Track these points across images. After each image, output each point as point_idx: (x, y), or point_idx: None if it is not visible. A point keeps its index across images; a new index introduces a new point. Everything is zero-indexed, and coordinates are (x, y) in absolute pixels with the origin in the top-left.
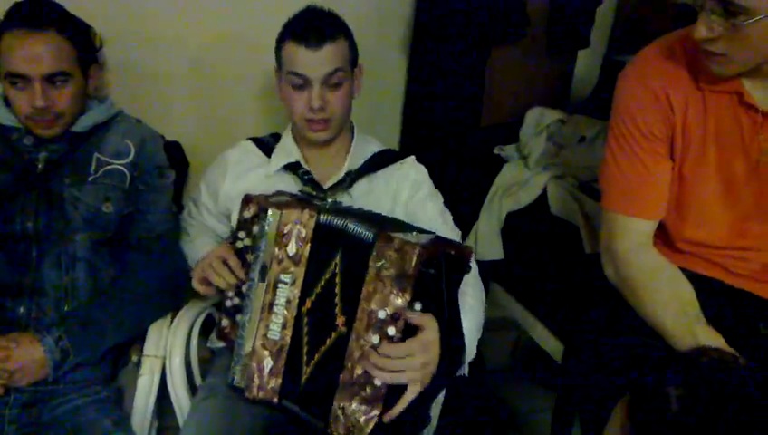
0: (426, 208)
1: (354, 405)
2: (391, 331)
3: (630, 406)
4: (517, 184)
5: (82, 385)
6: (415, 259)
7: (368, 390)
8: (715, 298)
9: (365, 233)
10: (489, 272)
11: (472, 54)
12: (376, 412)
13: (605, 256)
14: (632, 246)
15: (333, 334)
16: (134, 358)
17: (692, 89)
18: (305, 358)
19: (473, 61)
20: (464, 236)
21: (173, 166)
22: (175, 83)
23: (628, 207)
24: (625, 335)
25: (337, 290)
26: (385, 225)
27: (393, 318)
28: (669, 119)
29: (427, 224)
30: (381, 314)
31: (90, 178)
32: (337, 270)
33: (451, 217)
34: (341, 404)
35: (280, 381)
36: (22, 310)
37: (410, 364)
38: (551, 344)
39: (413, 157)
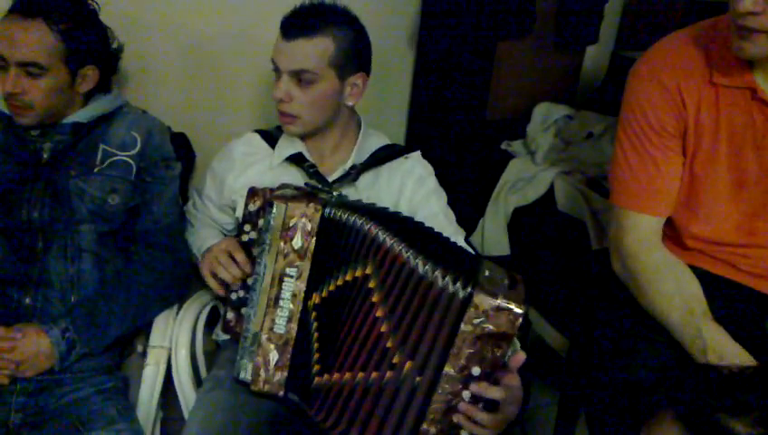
0: (429, 204)
1: None
2: (483, 386)
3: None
4: (524, 179)
5: (88, 375)
6: (520, 320)
7: None
8: (722, 295)
9: (444, 277)
10: None
11: (479, 49)
12: None
13: (613, 251)
14: (640, 241)
15: (389, 373)
16: (139, 348)
17: (705, 84)
18: (316, 355)
19: (480, 55)
20: (470, 232)
21: (179, 158)
22: (181, 75)
23: (637, 204)
24: (632, 332)
25: (379, 314)
26: (414, 235)
27: (486, 374)
28: (681, 114)
29: (429, 220)
30: (475, 371)
31: (96, 170)
32: (372, 286)
33: (454, 217)
34: None
35: (286, 374)
36: (28, 301)
37: (510, 414)
38: (556, 340)
39: (418, 152)
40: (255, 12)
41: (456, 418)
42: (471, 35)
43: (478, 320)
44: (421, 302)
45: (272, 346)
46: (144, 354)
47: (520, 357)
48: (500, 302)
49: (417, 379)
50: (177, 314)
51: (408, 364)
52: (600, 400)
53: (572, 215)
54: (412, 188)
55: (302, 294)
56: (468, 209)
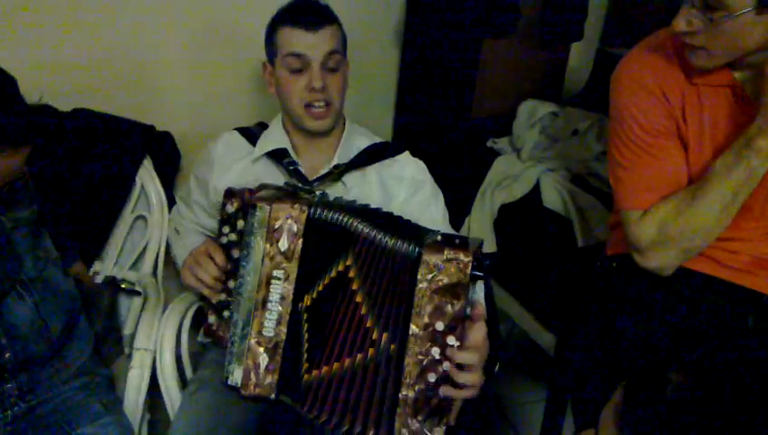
0: (429, 210)
1: (419, 420)
2: (451, 340)
3: (627, 387)
4: (510, 177)
5: (66, 377)
6: (470, 268)
7: (433, 402)
8: (705, 291)
9: (401, 246)
10: None
11: (464, 47)
12: (445, 420)
13: (635, 251)
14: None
15: (371, 351)
16: (126, 350)
17: (686, 84)
18: (305, 354)
19: (465, 53)
20: (456, 229)
21: (164, 157)
22: (166, 73)
23: (651, 200)
24: (617, 329)
25: (359, 299)
26: (397, 226)
27: (450, 328)
28: (670, 112)
29: (430, 225)
30: (439, 326)
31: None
32: (353, 275)
33: (448, 216)
34: (406, 421)
35: (277, 377)
36: (8, 356)
37: (480, 363)
38: (543, 337)
39: (407, 152)
40: (245, 13)
41: (432, 377)
42: (456, 33)
43: (431, 275)
44: (390, 273)
45: (261, 349)
46: (130, 357)
47: (479, 310)
48: (446, 254)
49: (392, 347)
50: (162, 315)
51: (384, 336)
52: (587, 396)
53: (558, 212)
54: (407, 193)
55: (291, 296)
56: (454, 207)
